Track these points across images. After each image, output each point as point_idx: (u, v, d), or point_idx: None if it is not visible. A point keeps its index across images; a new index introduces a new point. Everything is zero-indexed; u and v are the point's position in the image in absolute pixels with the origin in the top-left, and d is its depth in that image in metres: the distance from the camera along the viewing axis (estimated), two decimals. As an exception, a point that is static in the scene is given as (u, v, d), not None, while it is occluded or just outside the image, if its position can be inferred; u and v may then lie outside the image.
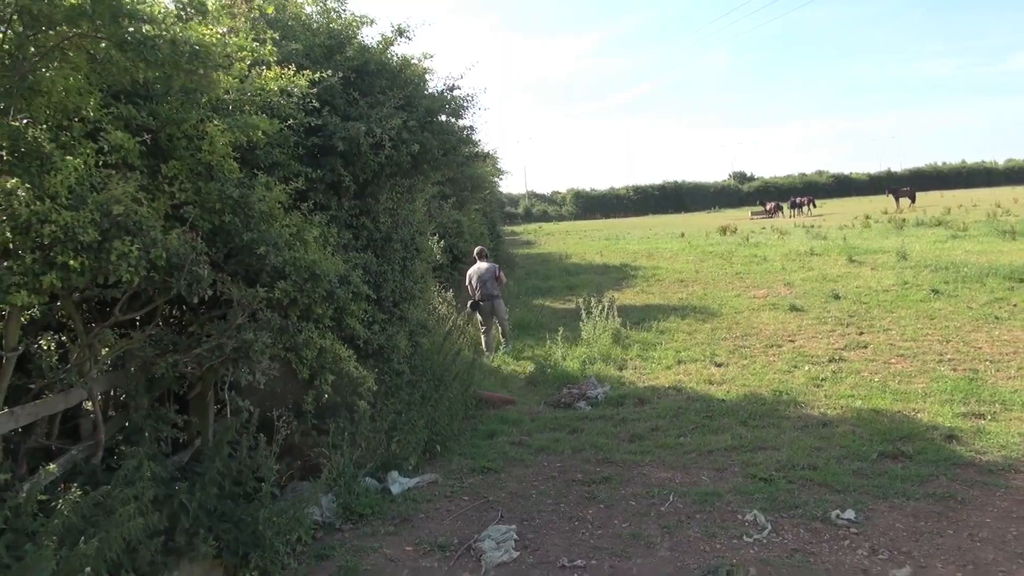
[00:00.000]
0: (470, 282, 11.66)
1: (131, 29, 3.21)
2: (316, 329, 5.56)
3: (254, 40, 5.00)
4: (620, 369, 9.98)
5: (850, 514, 5.02)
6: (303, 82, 5.60)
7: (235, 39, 4.55)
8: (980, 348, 9.62)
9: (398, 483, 5.99)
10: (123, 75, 3.50)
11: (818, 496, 5.39)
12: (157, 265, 3.86)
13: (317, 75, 5.85)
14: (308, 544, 4.90)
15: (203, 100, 4.92)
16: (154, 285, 4.03)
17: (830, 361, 9.57)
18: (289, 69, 5.69)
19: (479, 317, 11.62)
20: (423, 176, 7.36)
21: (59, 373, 4.11)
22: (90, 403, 4.39)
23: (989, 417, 6.95)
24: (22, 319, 3.86)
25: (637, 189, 69.31)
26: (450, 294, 12.19)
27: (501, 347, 11.43)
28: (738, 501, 5.36)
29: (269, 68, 5.54)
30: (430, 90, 7.55)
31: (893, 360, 9.40)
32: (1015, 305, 12.14)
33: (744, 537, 4.76)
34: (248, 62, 4.91)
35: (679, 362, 10.11)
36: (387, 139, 6.41)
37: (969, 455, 6.06)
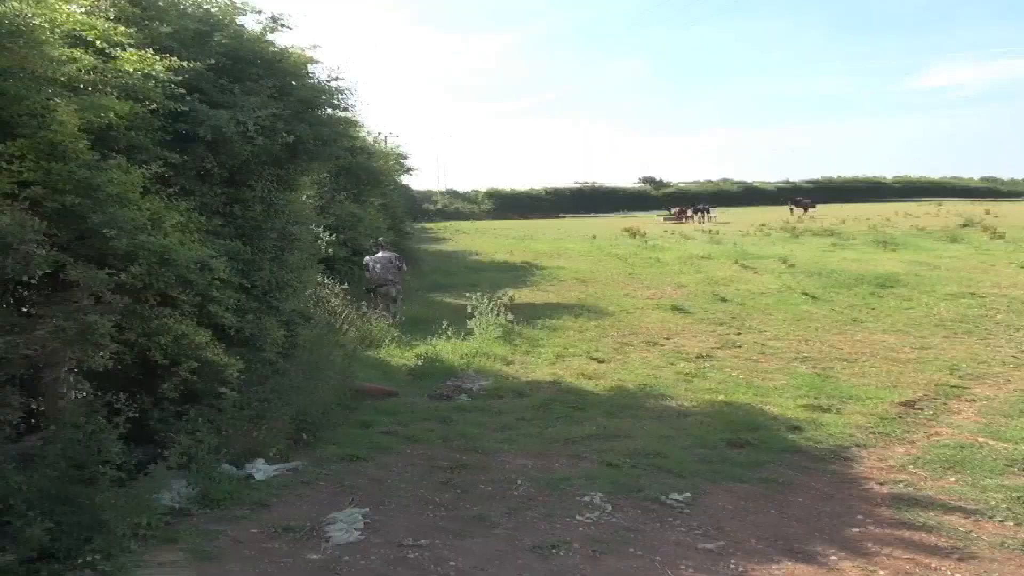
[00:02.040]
0: (368, 268, 12.65)
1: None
2: (176, 315, 5.55)
3: (106, 20, 4.96)
4: (504, 364, 10.20)
5: (683, 495, 5.38)
6: (163, 67, 5.57)
7: (73, 14, 4.50)
8: (837, 348, 10.34)
9: (260, 470, 6.02)
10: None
11: (659, 480, 5.73)
12: (-15, 243, 3.83)
13: (182, 63, 5.82)
14: (156, 528, 4.88)
15: (53, 78, 4.86)
16: (-16, 264, 3.98)
17: (702, 358, 10.07)
18: (149, 52, 5.65)
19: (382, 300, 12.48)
20: (298, 166, 7.39)
21: None
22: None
23: (830, 410, 7.52)
24: None
25: (553, 190, 70.19)
26: (345, 287, 12.13)
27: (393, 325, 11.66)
28: (585, 485, 5.65)
29: (123, 49, 5.50)
30: (312, 80, 7.58)
31: (758, 358, 9.99)
32: (877, 310, 13.05)
33: (579, 517, 5.04)
34: (98, 42, 4.86)
35: (561, 357, 10.44)
36: (257, 129, 6.43)
37: (804, 443, 6.56)
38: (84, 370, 5.15)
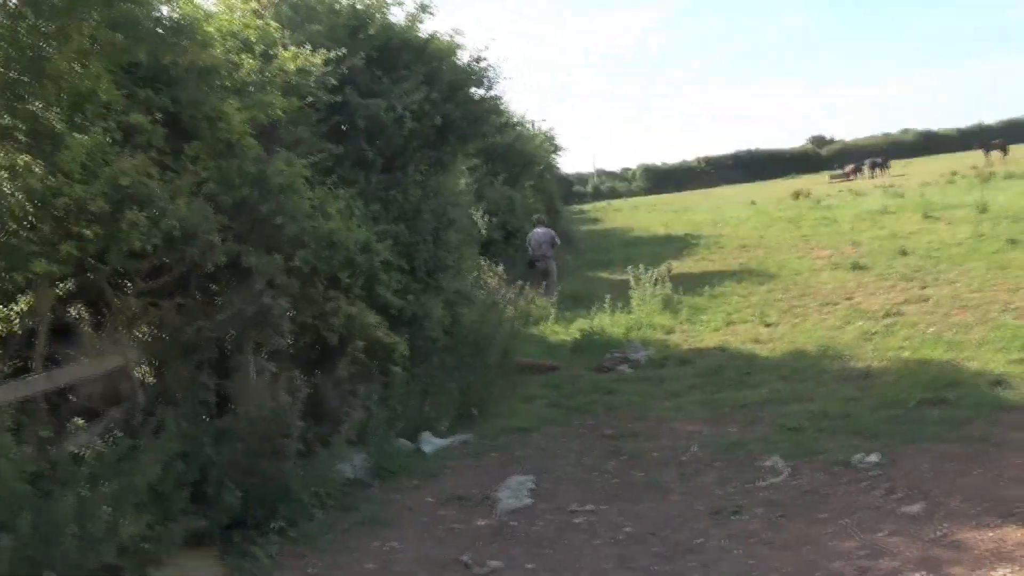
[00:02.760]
0: (529, 243, 13.66)
1: (123, 7, 3.47)
2: (345, 298, 5.82)
3: (260, 20, 5.24)
4: (667, 333, 9.94)
5: (874, 457, 4.93)
6: (318, 60, 5.83)
7: (227, 16, 4.77)
8: (1050, 296, 9.13)
9: (430, 443, 6.20)
10: (121, 55, 3.77)
11: (845, 442, 5.29)
12: (172, 235, 4.16)
13: (333, 54, 6.06)
14: (337, 498, 5.14)
15: (225, 83, 5.22)
16: (172, 254, 4.34)
17: (885, 316, 9.25)
18: (305, 49, 5.93)
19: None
20: (450, 147, 7.52)
21: (95, 341, 4.49)
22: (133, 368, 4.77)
23: (1045, 362, 6.63)
24: (57, 292, 4.24)
25: (709, 160, 67.87)
26: (501, 268, 12.29)
27: (550, 302, 11.95)
28: (761, 449, 5.33)
29: (285, 49, 5.80)
30: (458, 63, 7.68)
31: (954, 312, 9.02)
32: (1097, 251, 11.42)
33: (759, 481, 4.76)
34: (254, 40, 5.14)
35: (728, 324, 9.99)
36: (408, 113, 6.59)
37: (1015, 399, 5.81)
38: (266, 352, 5.53)
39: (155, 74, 4.70)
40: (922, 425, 5.45)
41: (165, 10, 4.22)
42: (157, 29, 3.71)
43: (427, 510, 4.89)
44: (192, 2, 4.29)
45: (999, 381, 6.23)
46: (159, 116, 4.45)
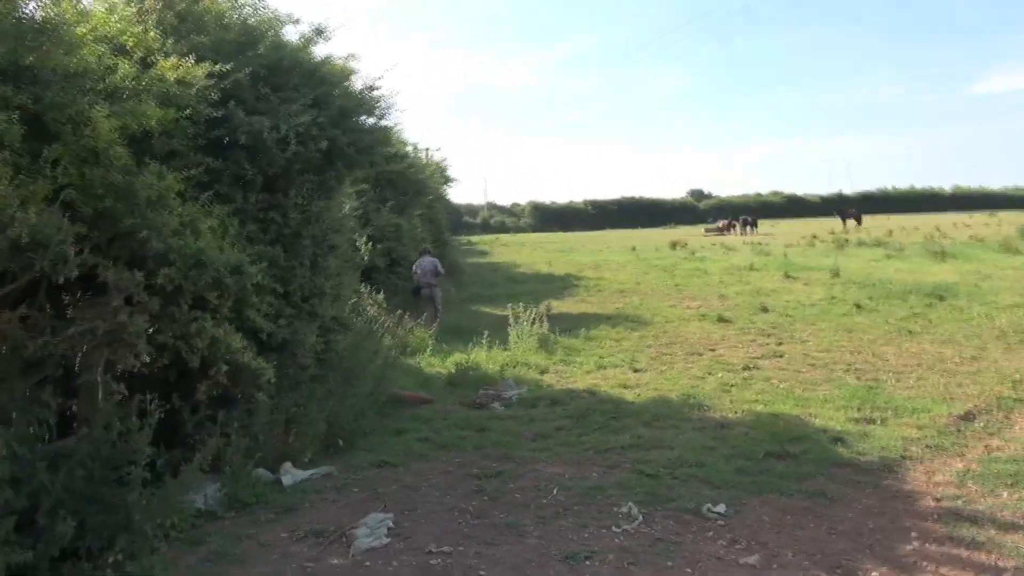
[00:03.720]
0: (415, 271, 14.17)
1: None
2: (212, 319, 5.57)
3: (147, 30, 5.03)
4: (541, 373, 10.10)
5: (721, 507, 5.18)
6: (200, 72, 5.63)
7: (103, 16, 4.56)
8: (887, 359, 9.96)
9: (290, 475, 6.01)
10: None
11: (697, 491, 5.54)
12: (18, 244, 3.88)
13: (217, 67, 5.87)
14: (184, 531, 4.88)
15: (96, 87, 4.96)
16: (19, 264, 4.03)
17: (744, 369, 9.80)
18: (188, 60, 5.72)
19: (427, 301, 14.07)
20: (336, 173, 7.40)
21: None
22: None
23: (879, 422, 7.21)
24: None
25: (595, 204, 70.15)
26: (381, 296, 12.16)
27: (432, 331, 12.29)
28: (619, 495, 5.48)
29: (166, 57, 5.58)
30: (350, 89, 7.60)
31: (803, 369, 9.68)
32: (930, 321, 12.57)
33: (613, 527, 4.89)
34: (131, 45, 4.92)
35: (600, 367, 10.27)
36: (293, 135, 6.46)
37: (850, 456, 6.28)
38: (119, 372, 5.21)
39: (17, 70, 4.41)
40: (768, 477, 5.79)
41: (32, 6, 3.97)
42: (18, 28, 3.47)
43: (280, 546, 4.71)
44: (63, 2, 4.05)
45: (838, 438, 6.72)
46: (16, 115, 4.15)
